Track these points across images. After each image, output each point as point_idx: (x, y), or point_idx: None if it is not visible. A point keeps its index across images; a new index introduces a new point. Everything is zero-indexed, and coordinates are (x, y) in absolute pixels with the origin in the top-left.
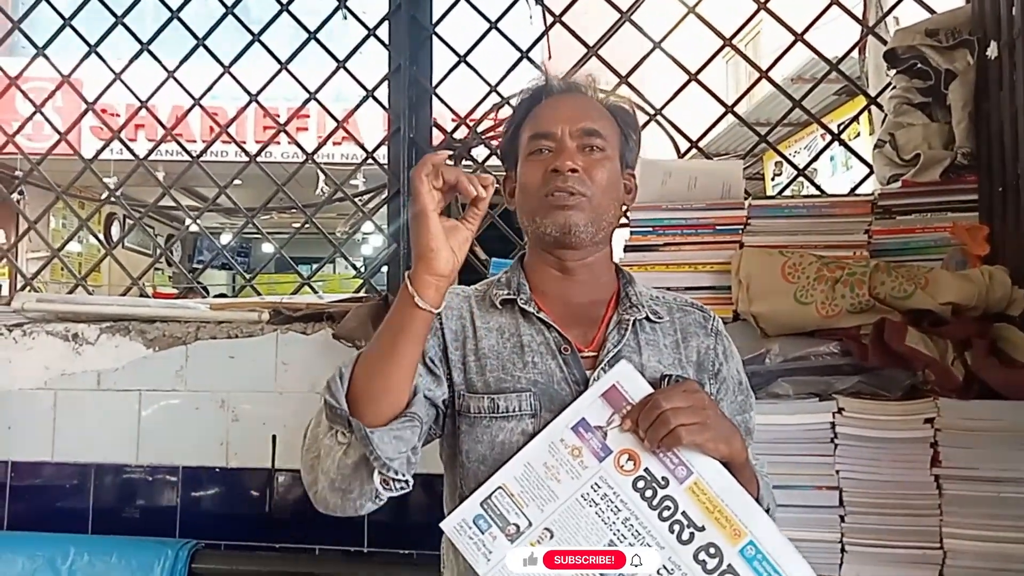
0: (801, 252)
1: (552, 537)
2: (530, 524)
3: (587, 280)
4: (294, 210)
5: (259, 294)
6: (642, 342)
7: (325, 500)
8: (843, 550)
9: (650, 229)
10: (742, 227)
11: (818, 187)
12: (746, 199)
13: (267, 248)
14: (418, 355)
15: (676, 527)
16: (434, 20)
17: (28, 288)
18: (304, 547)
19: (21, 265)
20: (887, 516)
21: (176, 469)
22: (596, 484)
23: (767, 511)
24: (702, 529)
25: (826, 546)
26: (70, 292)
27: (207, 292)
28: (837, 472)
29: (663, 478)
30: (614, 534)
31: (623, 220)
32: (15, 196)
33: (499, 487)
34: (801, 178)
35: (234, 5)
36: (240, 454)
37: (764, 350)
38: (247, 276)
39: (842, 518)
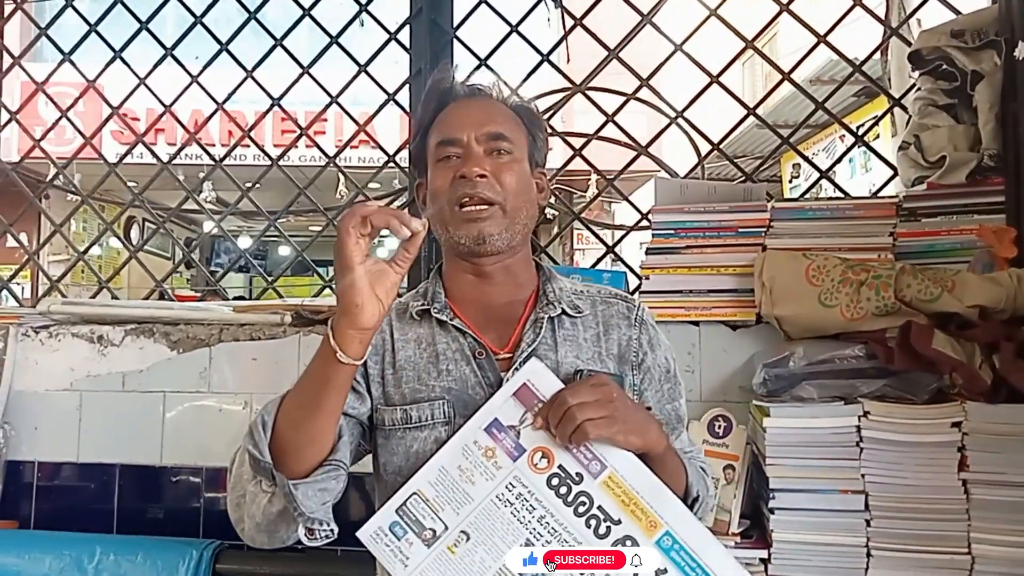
0: (825, 255)
1: (468, 539)
2: (446, 528)
3: (504, 282)
4: (311, 213)
5: (280, 296)
6: (559, 338)
7: (252, 539)
8: (869, 555)
9: (672, 232)
10: (765, 229)
11: (841, 189)
12: (768, 201)
13: (284, 251)
14: (341, 405)
15: (592, 522)
16: (455, 24)
17: (53, 291)
18: (326, 548)
19: (42, 267)
20: (913, 521)
21: (200, 470)
22: (511, 484)
23: (696, 499)
24: (618, 523)
25: (851, 550)
26: (94, 295)
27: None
28: (863, 476)
29: (577, 474)
30: (530, 533)
31: (643, 223)
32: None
33: (414, 493)
34: (820, 180)
35: (257, 10)
36: None
37: (788, 353)
38: (268, 279)
39: (868, 522)
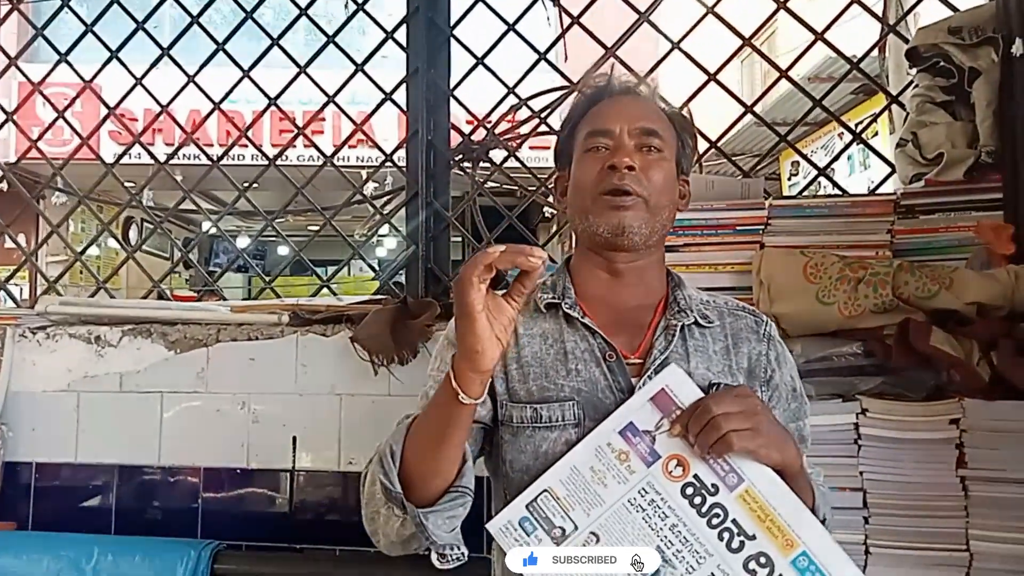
0: (823, 252)
1: (598, 541)
2: (576, 528)
3: (636, 284)
4: (309, 212)
5: (278, 296)
6: (690, 348)
7: (387, 551)
8: (867, 552)
9: (670, 230)
10: (763, 227)
11: (839, 187)
12: (766, 199)
13: (282, 250)
14: (465, 439)
15: (725, 535)
16: (452, 22)
17: (51, 291)
18: (325, 548)
19: (39, 268)
20: (912, 518)
21: (198, 470)
22: (643, 489)
23: (822, 521)
24: (753, 538)
25: (850, 548)
26: (92, 295)
27: (224, 296)
28: (861, 473)
29: (713, 485)
30: (661, 540)
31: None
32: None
33: (545, 490)
34: (819, 178)
35: (253, 9)
36: (261, 455)
37: None
38: (266, 279)
39: (866, 520)
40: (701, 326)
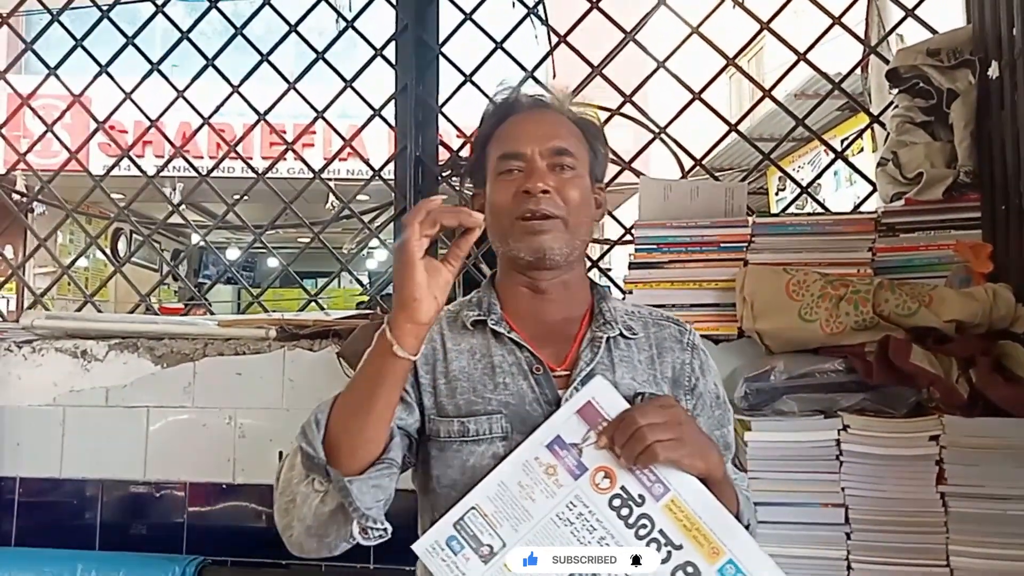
0: (805, 270)
1: None
2: (504, 544)
3: (560, 298)
4: (298, 226)
5: (266, 310)
6: (616, 359)
7: (300, 544)
8: (849, 567)
9: (654, 247)
10: (746, 245)
11: (822, 204)
12: (749, 216)
13: (272, 262)
14: (396, 401)
15: (653, 545)
16: (440, 40)
17: (37, 305)
18: (310, 563)
19: (27, 280)
20: (893, 533)
21: (184, 485)
22: (571, 503)
23: (747, 528)
24: (680, 547)
25: (832, 563)
26: (79, 309)
27: (212, 310)
28: (842, 489)
29: (639, 496)
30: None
31: (627, 238)
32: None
33: (472, 507)
34: (802, 195)
35: (244, 25)
36: (247, 470)
37: (769, 367)
38: (254, 293)
39: (848, 535)
40: (626, 337)
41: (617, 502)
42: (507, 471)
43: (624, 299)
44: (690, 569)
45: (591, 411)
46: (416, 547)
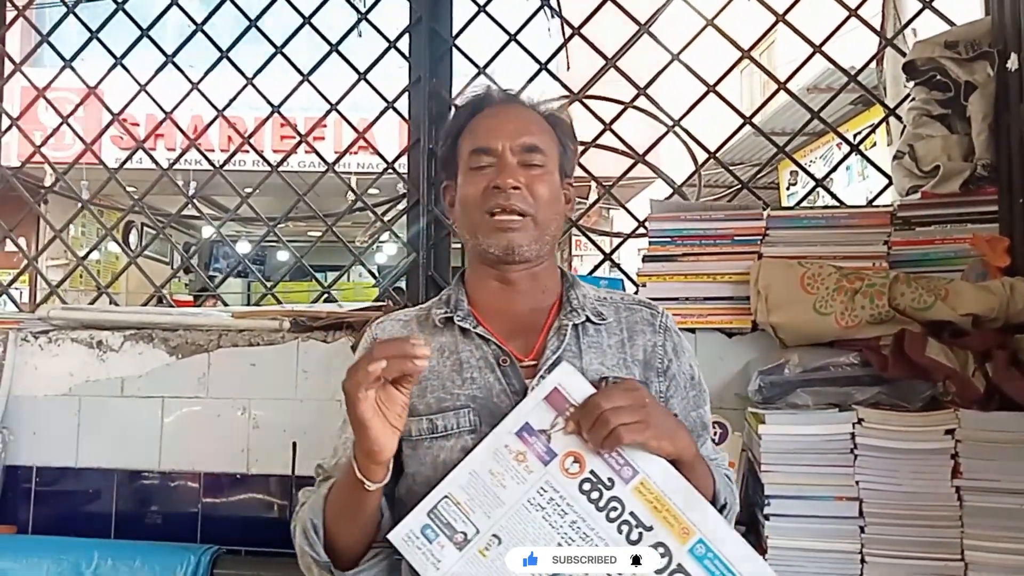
0: (820, 263)
1: (500, 543)
2: (477, 531)
3: (529, 290)
4: (310, 219)
5: (279, 302)
6: (584, 345)
7: None
8: (863, 561)
9: (669, 239)
10: (760, 238)
11: (836, 198)
12: (764, 209)
13: (282, 255)
14: (377, 514)
15: (624, 528)
16: (454, 32)
17: (52, 296)
18: None
19: (41, 271)
20: (907, 527)
21: (198, 475)
22: (542, 488)
23: (724, 507)
24: (650, 529)
25: (845, 557)
26: (93, 300)
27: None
28: (857, 483)
29: (609, 479)
30: (561, 537)
31: (640, 231)
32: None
33: (445, 496)
34: (817, 188)
35: (258, 18)
36: (261, 461)
37: (783, 360)
38: (267, 285)
39: (862, 529)
40: (595, 322)
41: (587, 486)
42: (478, 459)
43: (637, 292)
44: (661, 550)
45: (558, 397)
46: (392, 536)
